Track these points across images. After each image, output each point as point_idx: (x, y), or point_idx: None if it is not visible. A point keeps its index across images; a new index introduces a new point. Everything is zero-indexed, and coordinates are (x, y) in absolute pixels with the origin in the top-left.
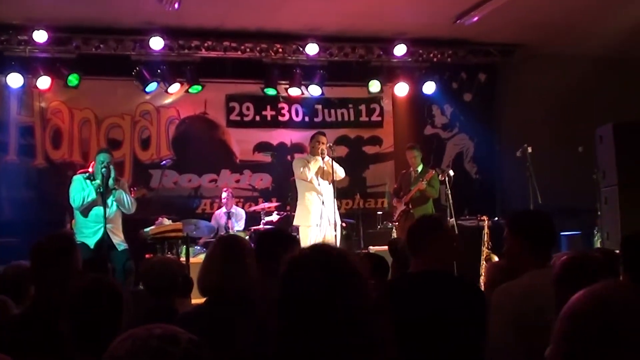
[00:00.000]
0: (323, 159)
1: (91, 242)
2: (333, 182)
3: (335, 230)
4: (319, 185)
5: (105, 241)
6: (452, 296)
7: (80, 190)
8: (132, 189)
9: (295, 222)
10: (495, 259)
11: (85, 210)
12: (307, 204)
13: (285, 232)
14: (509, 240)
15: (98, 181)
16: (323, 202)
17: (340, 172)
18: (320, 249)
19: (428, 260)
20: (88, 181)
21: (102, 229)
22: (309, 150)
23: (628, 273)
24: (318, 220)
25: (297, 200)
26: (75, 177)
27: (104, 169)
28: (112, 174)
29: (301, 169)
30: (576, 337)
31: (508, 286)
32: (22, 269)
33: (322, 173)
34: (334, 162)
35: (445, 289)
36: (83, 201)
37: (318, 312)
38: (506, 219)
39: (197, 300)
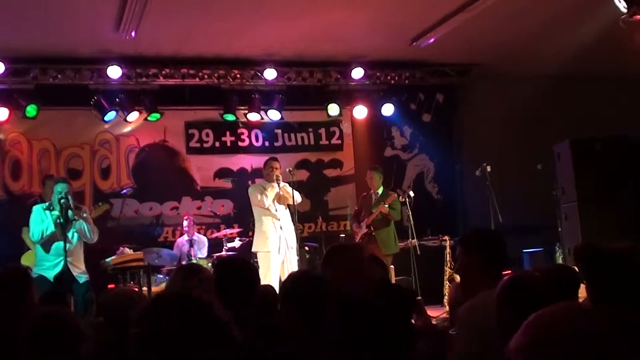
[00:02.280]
0: (279, 184)
1: (51, 274)
2: (291, 206)
3: (295, 255)
4: (275, 210)
5: (65, 273)
6: None
7: (40, 222)
8: (93, 206)
9: (253, 249)
10: (458, 278)
11: (46, 244)
12: (265, 230)
13: (242, 259)
14: (462, 259)
15: (57, 212)
16: (281, 227)
17: (297, 197)
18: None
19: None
20: (47, 212)
21: (63, 262)
22: (264, 176)
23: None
24: (277, 245)
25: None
26: (34, 208)
27: (63, 200)
28: (71, 204)
29: (258, 196)
30: None
31: (472, 304)
32: None
33: (278, 198)
34: (290, 186)
35: None
36: (42, 235)
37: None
38: (460, 237)
39: None
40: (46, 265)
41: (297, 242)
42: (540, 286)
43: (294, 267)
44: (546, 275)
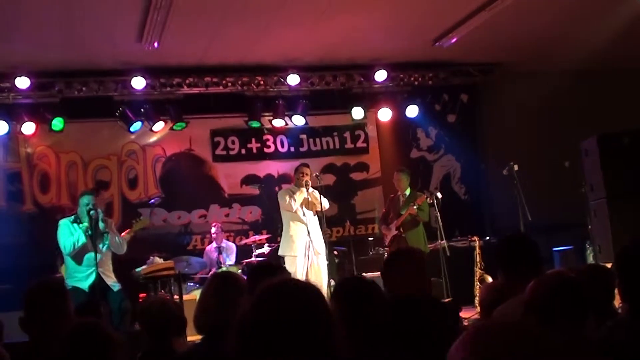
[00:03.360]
0: (307, 190)
1: (85, 285)
2: (321, 212)
3: (324, 260)
4: (303, 215)
5: (99, 283)
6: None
7: (69, 235)
8: (135, 220)
9: (280, 252)
10: (489, 279)
11: (77, 256)
12: (292, 234)
13: (275, 263)
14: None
15: (86, 224)
16: (308, 232)
17: (325, 203)
18: (289, 280)
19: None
20: (75, 224)
21: (95, 272)
22: (294, 181)
23: (627, 297)
24: (303, 250)
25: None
26: (61, 222)
27: (92, 211)
28: (100, 216)
29: (287, 200)
30: None
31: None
32: None
33: (306, 204)
34: (319, 193)
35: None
36: (73, 247)
37: (285, 337)
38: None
39: (192, 337)
40: (79, 276)
41: (326, 246)
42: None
43: (322, 274)
44: (581, 275)
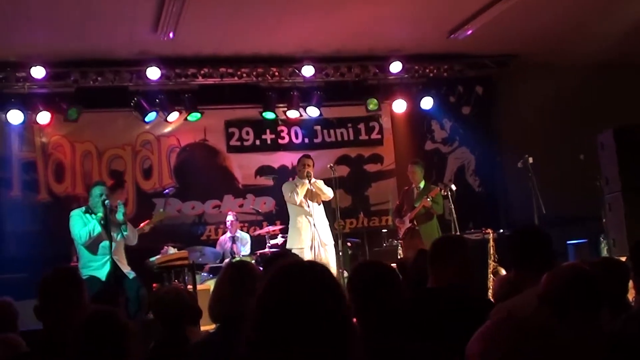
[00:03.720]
0: (310, 181)
1: (101, 274)
2: (330, 202)
3: (332, 251)
4: (308, 207)
5: (115, 272)
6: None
7: (82, 225)
8: (153, 213)
9: (288, 245)
10: (503, 271)
11: (92, 245)
12: (299, 227)
13: (291, 253)
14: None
15: (100, 214)
16: (314, 225)
17: (329, 192)
18: (305, 261)
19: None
20: (88, 215)
21: (110, 261)
22: (297, 172)
23: None
24: (309, 242)
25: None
26: (73, 213)
27: (106, 201)
28: (122, 209)
29: (289, 193)
30: None
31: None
32: (6, 304)
33: (310, 195)
34: (322, 182)
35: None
36: (89, 236)
37: (302, 316)
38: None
39: (205, 327)
40: (94, 265)
41: (340, 238)
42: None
43: (331, 264)
44: (595, 268)
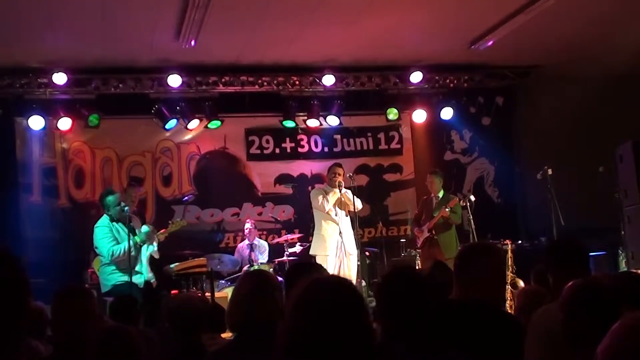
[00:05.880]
0: (340, 190)
1: (139, 280)
2: (353, 213)
3: (355, 261)
4: (336, 215)
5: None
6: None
7: (111, 239)
8: (171, 221)
9: (311, 252)
10: (521, 283)
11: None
12: (324, 234)
13: (313, 262)
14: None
15: (124, 226)
16: (340, 233)
17: (358, 204)
18: (335, 278)
19: (468, 288)
20: (115, 224)
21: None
22: (326, 181)
23: None
24: (334, 250)
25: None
26: (100, 224)
27: (126, 208)
28: (180, 226)
29: (320, 200)
30: None
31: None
32: (39, 309)
33: (339, 204)
34: (352, 193)
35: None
36: (120, 253)
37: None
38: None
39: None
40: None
41: (358, 247)
42: (612, 293)
43: (352, 274)
44: (616, 282)
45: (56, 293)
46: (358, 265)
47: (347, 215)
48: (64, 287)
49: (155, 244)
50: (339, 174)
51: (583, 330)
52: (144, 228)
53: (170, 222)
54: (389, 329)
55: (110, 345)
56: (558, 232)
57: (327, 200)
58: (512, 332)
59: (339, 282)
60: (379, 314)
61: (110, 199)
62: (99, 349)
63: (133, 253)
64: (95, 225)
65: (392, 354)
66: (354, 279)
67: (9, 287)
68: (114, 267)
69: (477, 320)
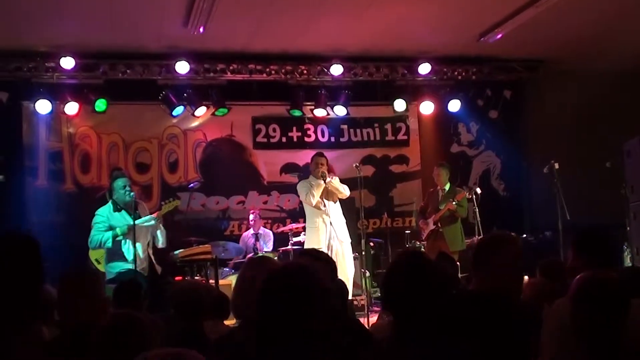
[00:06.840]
0: (324, 180)
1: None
2: (359, 203)
3: (349, 248)
4: (324, 206)
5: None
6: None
7: (97, 232)
8: (164, 202)
9: (306, 245)
10: (525, 277)
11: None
12: (315, 227)
13: (320, 251)
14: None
15: (129, 214)
16: (331, 223)
17: (345, 191)
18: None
19: (489, 279)
20: (117, 213)
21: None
22: (311, 172)
23: None
24: (326, 241)
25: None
26: (96, 214)
27: (132, 194)
28: (173, 206)
29: (305, 194)
30: None
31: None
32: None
33: (326, 194)
34: (337, 180)
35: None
36: (95, 244)
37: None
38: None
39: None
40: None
41: (363, 238)
42: (620, 286)
43: (348, 261)
44: (622, 275)
45: (62, 275)
46: (362, 255)
47: (335, 203)
48: (71, 268)
49: (159, 233)
50: (322, 164)
51: (590, 323)
52: (149, 220)
53: (162, 202)
54: (398, 318)
55: (121, 331)
56: (563, 227)
57: (313, 194)
58: (529, 323)
59: (291, 270)
60: (386, 303)
61: (117, 181)
62: (109, 335)
63: (119, 239)
64: (95, 213)
65: (402, 345)
66: (349, 266)
67: (23, 273)
68: (113, 255)
69: (495, 312)
